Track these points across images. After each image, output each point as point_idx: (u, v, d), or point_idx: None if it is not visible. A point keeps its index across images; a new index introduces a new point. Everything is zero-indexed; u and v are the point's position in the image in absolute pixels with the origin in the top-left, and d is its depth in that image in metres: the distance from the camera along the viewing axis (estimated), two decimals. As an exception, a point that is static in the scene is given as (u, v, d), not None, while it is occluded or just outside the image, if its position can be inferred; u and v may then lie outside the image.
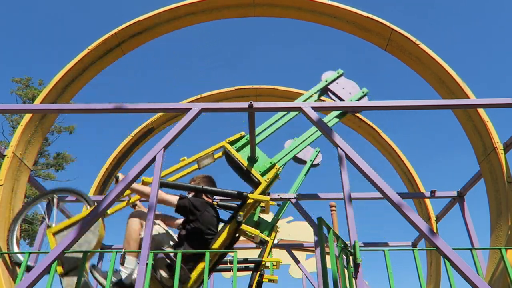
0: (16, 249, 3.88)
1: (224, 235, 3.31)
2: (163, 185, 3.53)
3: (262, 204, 3.78)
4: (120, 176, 3.39)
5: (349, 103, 3.96)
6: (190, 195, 3.61)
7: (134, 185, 3.28)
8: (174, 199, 3.34)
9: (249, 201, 3.50)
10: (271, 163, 3.85)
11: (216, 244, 3.28)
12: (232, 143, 3.91)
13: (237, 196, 3.53)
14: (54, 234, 3.25)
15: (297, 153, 4.53)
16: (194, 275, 3.16)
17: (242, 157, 3.80)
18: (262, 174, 3.75)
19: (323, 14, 5.14)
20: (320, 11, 5.12)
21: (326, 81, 4.72)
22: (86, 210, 3.81)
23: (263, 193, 3.66)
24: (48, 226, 3.88)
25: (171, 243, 3.36)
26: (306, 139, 4.40)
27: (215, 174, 3.86)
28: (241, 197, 3.51)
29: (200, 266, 3.16)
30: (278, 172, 3.84)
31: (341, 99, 4.58)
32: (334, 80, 4.75)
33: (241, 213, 3.42)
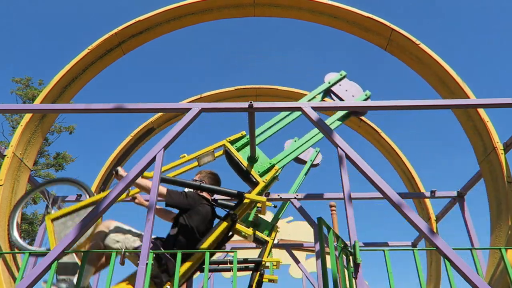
0: (15, 233, 3.91)
1: (217, 233, 3.26)
2: (162, 180, 3.49)
3: (259, 204, 3.77)
4: (120, 170, 3.37)
5: (348, 103, 3.96)
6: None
7: (137, 180, 3.21)
8: (164, 191, 3.27)
9: (246, 200, 3.47)
10: (270, 164, 3.81)
11: (208, 241, 3.23)
12: (232, 142, 3.87)
13: (235, 196, 3.52)
14: (53, 220, 3.26)
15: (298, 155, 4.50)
16: (182, 269, 3.08)
17: (242, 157, 3.78)
18: (261, 175, 3.72)
19: (323, 14, 5.13)
20: (320, 11, 5.12)
21: (329, 83, 4.68)
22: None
23: (260, 193, 3.63)
24: (48, 213, 3.88)
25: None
26: (307, 141, 4.24)
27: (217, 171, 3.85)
28: (238, 196, 3.50)
29: (188, 264, 3.13)
30: (277, 174, 3.81)
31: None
32: (337, 82, 4.72)
33: (236, 212, 3.40)
